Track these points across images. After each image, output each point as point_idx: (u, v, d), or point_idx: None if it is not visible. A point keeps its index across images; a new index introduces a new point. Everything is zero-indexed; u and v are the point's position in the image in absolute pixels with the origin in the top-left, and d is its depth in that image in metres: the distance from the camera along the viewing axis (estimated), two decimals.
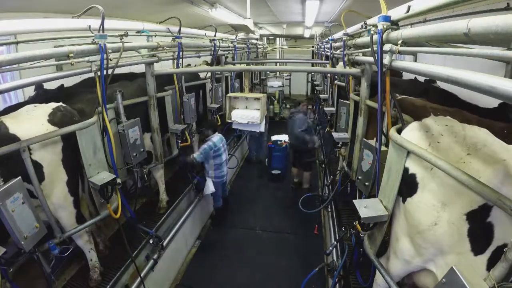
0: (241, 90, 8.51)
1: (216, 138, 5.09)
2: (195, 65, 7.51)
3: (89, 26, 2.99)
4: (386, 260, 2.27)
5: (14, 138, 2.34)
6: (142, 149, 3.71)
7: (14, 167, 2.29)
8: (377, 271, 2.36)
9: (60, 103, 2.86)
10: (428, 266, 1.92)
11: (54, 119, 2.66)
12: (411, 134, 2.03)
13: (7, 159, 2.24)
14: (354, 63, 3.77)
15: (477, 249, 1.62)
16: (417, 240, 1.90)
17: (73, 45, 2.47)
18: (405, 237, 2.02)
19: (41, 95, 3.53)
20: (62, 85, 3.82)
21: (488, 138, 1.77)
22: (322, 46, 7.96)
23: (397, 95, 2.93)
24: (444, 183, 1.72)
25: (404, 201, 2.00)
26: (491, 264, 1.55)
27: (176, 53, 4.34)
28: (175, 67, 4.43)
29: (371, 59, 2.70)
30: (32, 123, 2.52)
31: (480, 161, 1.64)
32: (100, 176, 2.89)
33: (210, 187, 5.15)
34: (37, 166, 2.48)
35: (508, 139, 1.79)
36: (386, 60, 2.12)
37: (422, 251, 1.89)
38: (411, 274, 2.14)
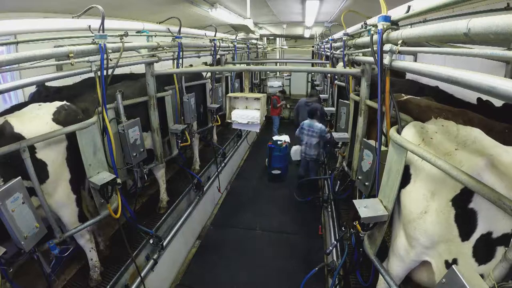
0: (241, 90, 8.52)
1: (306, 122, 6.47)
2: (193, 66, 7.51)
3: (89, 26, 2.99)
4: (387, 262, 2.28)
5: (19, 137, 2.37)
6: (142, 149, 3.71)
7: (19, 165, 2.31)
8: (379, 278, 2.37)
9: (64, 102, 2.87)
10: (422, 259, 1.98)
11: (59, 117, 2.68)
12: (407, 132, 2.12)
13: (11, 158, 2.26)
14: (354, 63, 3.77)
15: (464, 235, 1.68)
16: (409, 231, 1.97)
17: (73, 45, 2.47)
18: (401, 231, 2.08)
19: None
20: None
21: (478, 136, 1.84)
22: (322, 46, 7.95)
23: (403, 95, 2.94)
24: (432, 173, 1.79)
25: (399, 192, 2.06)
26: (476, 252, 1.62)
27: (176, 53, 4.34)
28: (175, 67, 4.43)
29: (371, 59, 2.70)
30: (36, 122, 2.55)
31: (466, 154, 1.73)
32: (100, 176, 2.89)
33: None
34: (42, 165, 2.51)
35: (510, 139, 1.81)
36: (386, 60, 2.12)
37: (413, 243, 1.95)
38: (410, 273, 2.16)
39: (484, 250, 1.57)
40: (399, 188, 2.05)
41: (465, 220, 1.66)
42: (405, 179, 2.00)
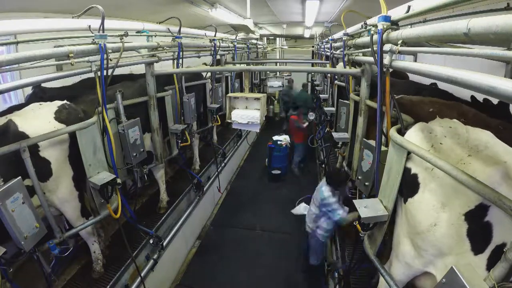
0: (241, 90, 8.51)
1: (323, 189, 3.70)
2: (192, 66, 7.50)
3: (89, 26, 2.99)
4: (389, 265, 2.25)
5: (23, 136, 2.40)
6: (142, 149, 3.71)
7: (22, 164, 2.34)
8: (380, 278, 2.35)
9: (65, 101, 2.89)
10: (428, 269, 1.91)
11: (61, 116, 2.71)
12: (415, 135, 2.04)
13: (16, 157, 2.30)
14: (354, 63, 3.77)
15: (477, 249, 1.61)
16: (417, 241, 1.89)
17: (73, 45, 2.47)
18: (406, 239, 2.02)
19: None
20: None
21: (490, 140, 1.77)
22: (322, 46, 7.95)
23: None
24: (443, 183, 1.72)
25: (405, 201, 1.99)
26: (491, 263, 1.56)
27: (176, 53, 4.34)
28: (175, 67, 4.43)
29: (371, 59, 2.70)
30: (39, 121, 2.58)
31: (480, 162, 1.65)
32: (100, 176, 2.89)
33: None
34: (46, 163, 2.56)
35: (504, 134, 1.79)
36: (386, 60, 2.12)
37: (422, 253, 1.88)
38: (412, 279, 2.12)
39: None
40: (399, 188, 2.03)
41: (480, 233, 1.60)
42: (413, 187, 1.92)
